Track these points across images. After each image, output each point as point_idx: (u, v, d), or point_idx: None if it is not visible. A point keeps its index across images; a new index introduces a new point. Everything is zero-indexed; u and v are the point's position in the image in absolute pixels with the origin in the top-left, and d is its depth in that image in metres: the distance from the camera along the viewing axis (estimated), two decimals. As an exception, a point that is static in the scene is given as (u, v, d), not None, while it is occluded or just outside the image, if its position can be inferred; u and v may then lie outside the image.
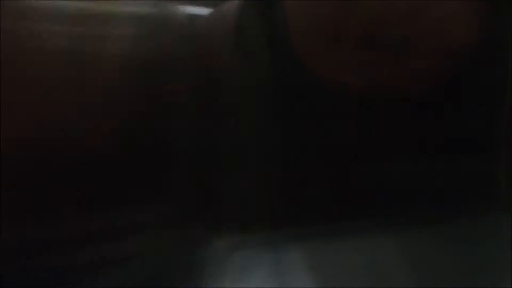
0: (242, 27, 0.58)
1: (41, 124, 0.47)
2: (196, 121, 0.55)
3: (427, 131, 0.60)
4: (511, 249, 0.50)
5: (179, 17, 0.58)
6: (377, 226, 0.57)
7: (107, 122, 0.50)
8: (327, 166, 0.59)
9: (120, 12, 0.52)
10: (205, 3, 0.61)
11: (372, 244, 0.54)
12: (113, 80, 0.50)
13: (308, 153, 0.59)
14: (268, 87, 0.57)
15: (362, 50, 0.55)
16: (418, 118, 0.60)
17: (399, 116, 0.59)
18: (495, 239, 0.54)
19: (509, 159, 0.59)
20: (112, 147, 0.50)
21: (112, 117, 0.50)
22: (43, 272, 0.46)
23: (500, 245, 0.52)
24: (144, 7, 0.53)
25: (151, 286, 0.47)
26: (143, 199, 0.51)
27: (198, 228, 0.54)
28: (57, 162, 0.48)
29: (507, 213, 0.57)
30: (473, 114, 0.61)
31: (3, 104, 0.44)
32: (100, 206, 0.50)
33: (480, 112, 0.61)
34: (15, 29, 0.46)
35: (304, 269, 0.51)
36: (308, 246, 0.55)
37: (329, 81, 0.56)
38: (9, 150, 0.45)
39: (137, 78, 0.51)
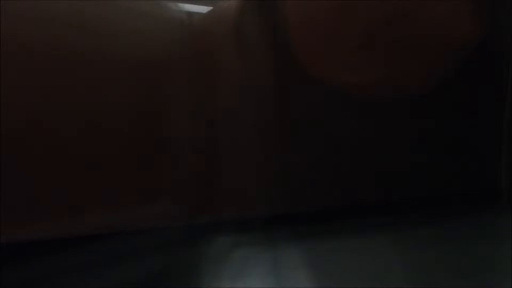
0: (241, 26, 0.58)
1: (41, 124, 0.47)
2: (196, 121, 0.55)
3: (427, 130, 0.60)
4: (511, 249, 0.50)
5: (179, 16, 0.58)
6: (377, 226, 0.57)
7: (107, 122, 0.50)
8: (327, 166, 0.59)
9: (120, 11, 0.52)
10: (205, 2, 0.61)
11: (372, 244, 0.54)
12: (112, 79, 0.50)
13: (308, 153, 0.59)
14: (268, 87, 0.57)
15: (362, 50, 0.55)
16: (418, 118, 0.60)
17: (399, 116, 0.59)
18: (495, 239, 0.54)
19: (509, 159, 0.59)
20: (112, 147, 0.50)
21: (111, 116, 0.50)
22: (43, 272, 0.46)
23: (500, 245, 0.52)
24: (144, 6, 0.53)
25: (151, 286, 0.47)
26: (143, 199, 0.52)
27: (198, 227, 0.54)
28: (56, 162, 0.48)
29: (507, 213, 0.57)
30: (473, 114, 0.61)
31: (3, 103, 0.44)
32: (100, 206, 0.50)
33: (480, 112, 0.61)
34: (14, 28, 0.46)
35: (303, 268, 0.51)
36: (307, 246, 0.55)
37: (329, 81, 0.56)
38: (9, 150, 0.45)
39: (136, 78, 0.51)
